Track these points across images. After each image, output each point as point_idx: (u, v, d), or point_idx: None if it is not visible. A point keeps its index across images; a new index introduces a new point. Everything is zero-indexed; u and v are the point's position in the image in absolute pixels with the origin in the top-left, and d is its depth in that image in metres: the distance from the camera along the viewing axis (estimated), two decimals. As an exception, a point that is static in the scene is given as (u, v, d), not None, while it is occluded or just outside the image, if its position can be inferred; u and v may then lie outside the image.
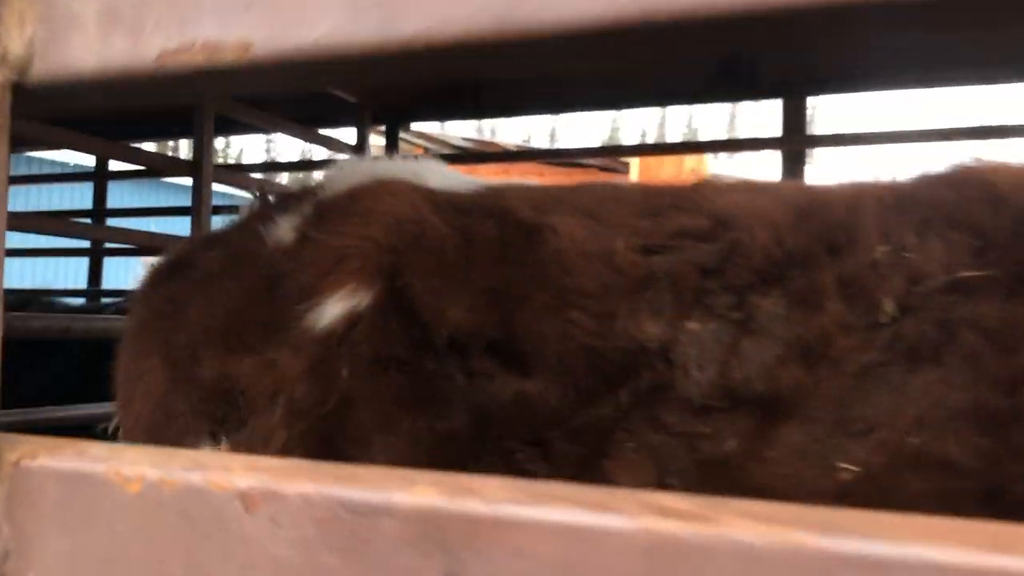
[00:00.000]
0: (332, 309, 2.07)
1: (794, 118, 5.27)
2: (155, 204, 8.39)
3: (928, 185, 1.76)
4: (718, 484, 1.56)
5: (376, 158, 2.68)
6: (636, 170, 9.12)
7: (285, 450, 2.04)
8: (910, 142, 4.71)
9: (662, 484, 1.62)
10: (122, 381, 2.50)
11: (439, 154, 8.06)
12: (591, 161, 10.08)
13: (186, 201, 5.25)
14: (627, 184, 2.29)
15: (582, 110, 6.12)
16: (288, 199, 2.52)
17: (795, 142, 5.22)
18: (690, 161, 8.45)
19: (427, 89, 6.24)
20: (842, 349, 1.57)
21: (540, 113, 6.39)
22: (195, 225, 5.07)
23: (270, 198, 2.66)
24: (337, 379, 2.02)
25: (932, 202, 1.68)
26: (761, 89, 5.28)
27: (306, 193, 2.47)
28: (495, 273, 1.95)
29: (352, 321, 2.05)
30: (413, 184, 2.25)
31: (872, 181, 1.85)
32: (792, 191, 1.90)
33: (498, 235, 2.01)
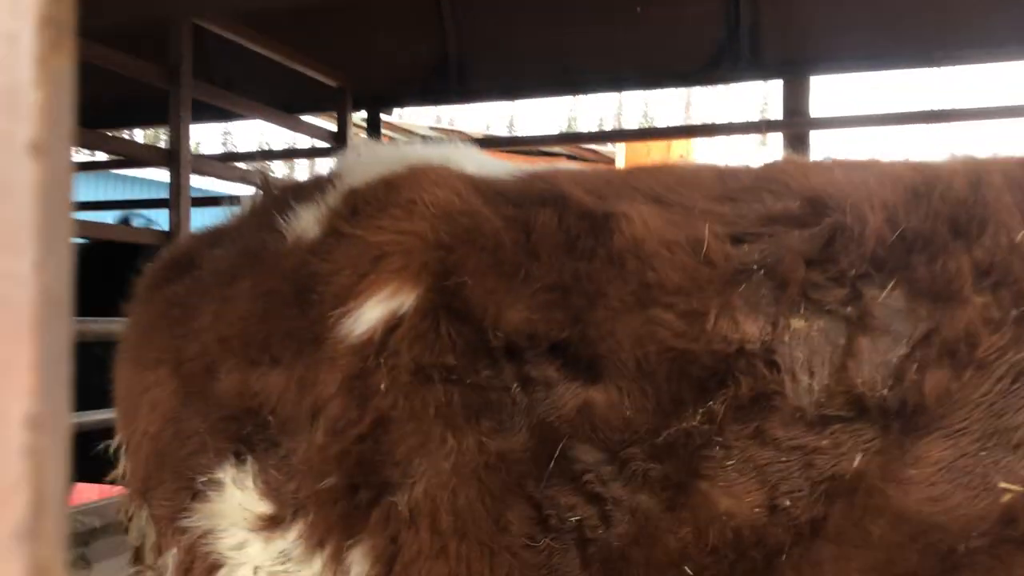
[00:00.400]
0: (370, 314, 1.83)
1: (795, 99, 5.11)
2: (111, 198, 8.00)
3: None
4: (845, 508, 1.37)
5: (403, 142, 2.43)
6: (623, 157, 8.93)
7: (323, 473, 1.81)
8: (918, 123, 4.57)
9: (772, 507, 1.42)
10: (123, 394, 2.24)
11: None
12: (558, 150, 9.89)
13: (143, 195, 4.92)
14: (692, 165, 2.07)
15: (588, 92, 5.90)
16: (305, 188, 2.27)
17: (797, 124, 5.06)
18: (678, 147, 8.28)
19: (410, 74, 5.98)
20: (990, 348, 1.37)
21: (532, 96, 6.15)
22: (173, 220, 4.76)
23: (278, 188, 2.42)
24: (374, 394, 1.79)
25: None
26: (763, 67, 5.11)
27: (325, 182, 2.22)
28: (561, 268, 1.73)
29: (391, 326, 1.81)
30: (455, 171, 2.01)
31: (983, 155, 1.65)
32: (894, 168, 1.69)
33: (560, 226, 1.79)
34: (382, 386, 1.79)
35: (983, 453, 1.32)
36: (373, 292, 1.83)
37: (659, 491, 1.54)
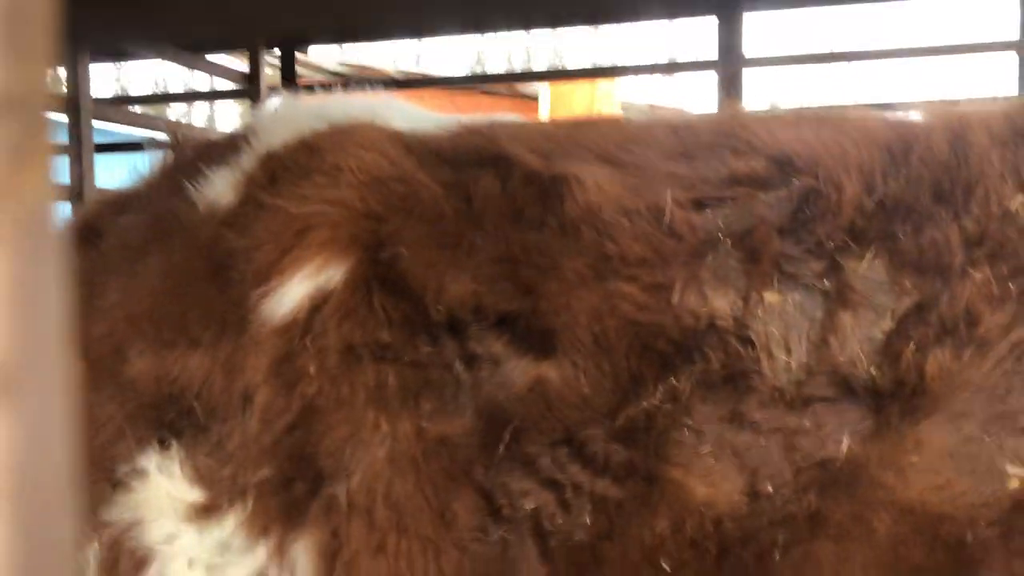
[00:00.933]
0: (295, 292, 1.67)
1: (729, 37, 4.99)
2: None
3: None
4: (843, 500, 1.28)
5: (322, 96, 2.22)
6: (548, 98, 8.73)
7: (259, 464, 1.67)
8: (860, 60, 4.52)
9: (754, 494, 1.33)
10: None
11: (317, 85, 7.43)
12: (499, 89, 9.63)
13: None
14: (642, 119, 1.93)
15: (500, 29, 5.68)
16: (217, 148, 2.06)
17: (731, 63, 4.94)
18: (604, 87, 8.11)
19: (323, 10, 5.66)
20: (992, 326, 1.29)
21: (443, 34, 5.91)
22: (75, 172, 4.41)
23: (188, 147, 2.19)
24: (302, 379, 1.64)
25: None
26: (696, 3, 4.96)
27: (239, 141, 2.01)
28: (508, 238, 1.59)
29: (318, 304, 1.66)
30: (382, 129, 1.83)
31: (961, 108, 1.54)
32: (866, 124, 1.57)
33: (505, 191, 1.64)
34: (310, 370, 1.64)
35: (988, 438, 1.25)
36: (297, 268, 1.67)
37: (625, 479, 1.44)
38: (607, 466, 1.46)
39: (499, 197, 1.65)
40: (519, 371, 1.55)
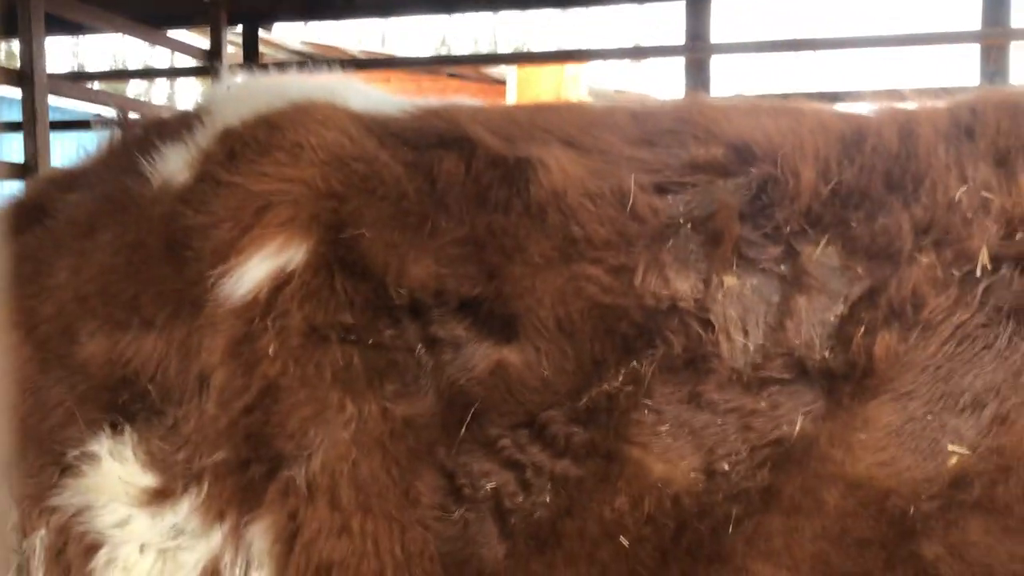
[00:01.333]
0: (255, 272, 1.65)
1: (697, 23, 4.99)
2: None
3: (989, 107, 1.50)
4: (796, 476, 1.32)
5: (280, 74, 2.18)
6: (515, 81, 8.68)
7: (215, 446, 1.65)
8: (827, 48, 4.55)
9: (710, 472, 1.35)
10: (-28, 362, 1.98)
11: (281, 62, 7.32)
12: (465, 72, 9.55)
13: None
14: (603, 104, 1.93)
15: (465, 11, 5.63)
16: (170, 125, 2.02)
17: (699, 49, 4.95)
18: (571, 72, 8.09)
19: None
20: (936, 310, 1.33)
21: (410, 14, 5.86)
22: (29, 149, 4.30)
23: (140, 124, 2.15)
24: (261, 360, 1.62)
25: (1001, 129, 1.43)
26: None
27: (193, 118, 1.97)
28: (473, 220, 1.59)
29: (279, 284, 1.64)
30: (343, 109, 1.81)
31: (912, 105, 1.58)
32: (821, 115, 1.61)
33: (469, 173, 1.64)
34: (270, 350, 1.63)
35: (930, 417, 1.30)
36: (257, 247, 1.64)
37: (585, 458, 1.46)
38: (567, 447, 1.48)
39: (463, 178, 1.64)
40: (481, 355, 1.55)
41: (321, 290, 1.61)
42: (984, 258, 1.33)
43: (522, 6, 5.63)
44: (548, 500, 1.45)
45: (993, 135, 1.46)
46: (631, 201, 1.52)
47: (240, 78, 2.40)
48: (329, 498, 1.55)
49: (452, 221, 1.60)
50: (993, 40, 4.53)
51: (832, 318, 1.38)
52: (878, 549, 1.28)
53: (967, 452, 1.26)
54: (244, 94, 2.03)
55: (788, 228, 1.45)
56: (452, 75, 9.87)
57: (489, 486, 1.48)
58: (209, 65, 5.50)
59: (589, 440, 1.45)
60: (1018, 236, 1.34)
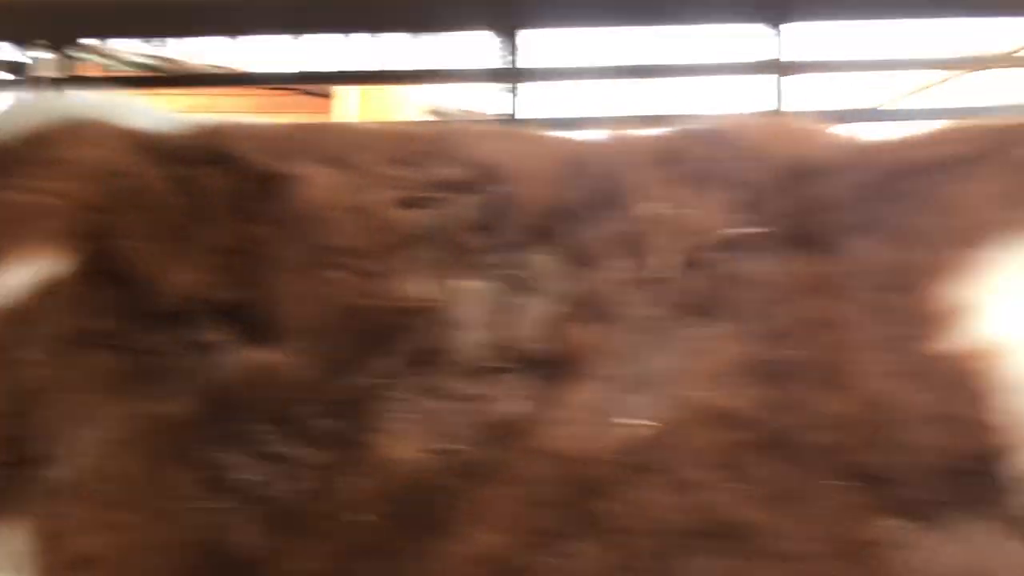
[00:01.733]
0: (16, 280, 1.70)
1: (509, 51, 5.26)
2: None
3: (688, 140, 1.81)
4: (507, 447, 1.53)
5: (58, 92, 2.25)
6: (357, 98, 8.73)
7: None
8: (627, 78, 4.89)
9: (442, 451, 1.57)
10: None
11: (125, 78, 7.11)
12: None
13: None
14: (371, 127, 2.13)
15: (318, 32, 5.61)
16: None
17: (512, 76, 5.21)
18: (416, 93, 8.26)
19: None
20: (622, 305, 1.60)
21: (262, 33, 5.78)
22: None
23: None
24: (14, 366, 1.68)
25: (694, 157, 1.73)
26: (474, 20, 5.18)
27: None
28: (229, 230, 1.73)
29: (35, 293, 1.72)
30: (114, 126, 1.91)
31: (631, 135, 1.88)
32: (556, 144, 1.91)
33: (228, 186, 1.78)
34: (24, 358, 1.68)
35: (612, 395, 1.54)
36: (12, 258, 1.70)
37: (334, 446, 1.61)
38: (319, 437, 1.63)
39: (228, 193, 1.77)
40: (241, 357, 1.67)
41: (80, 298, 1.68)
42: (668, 263, 1.62)
43: (374, 30, 5.60)
44: (300, 487, 1.59)
45: (692, 160, 1.76)
46: (383, 214, 1.71)
47: (19, 97, 2.43)
48: (89, 496, 1.62)
49: (216, 232, 1.72)
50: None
51: (549, 315, 1.62)
52: (568, 508, 1.52)
53: (631, 422, 1.51)
54: (27, 112, 2.09)
55: (517, 239, 1.69)
56: (276, 89, 9.72)
57: (246, 477, 1.60)
58: (21, 80, 5.29)
59: (337, 430, 1.61)
60: (693, 244, 1.64)
